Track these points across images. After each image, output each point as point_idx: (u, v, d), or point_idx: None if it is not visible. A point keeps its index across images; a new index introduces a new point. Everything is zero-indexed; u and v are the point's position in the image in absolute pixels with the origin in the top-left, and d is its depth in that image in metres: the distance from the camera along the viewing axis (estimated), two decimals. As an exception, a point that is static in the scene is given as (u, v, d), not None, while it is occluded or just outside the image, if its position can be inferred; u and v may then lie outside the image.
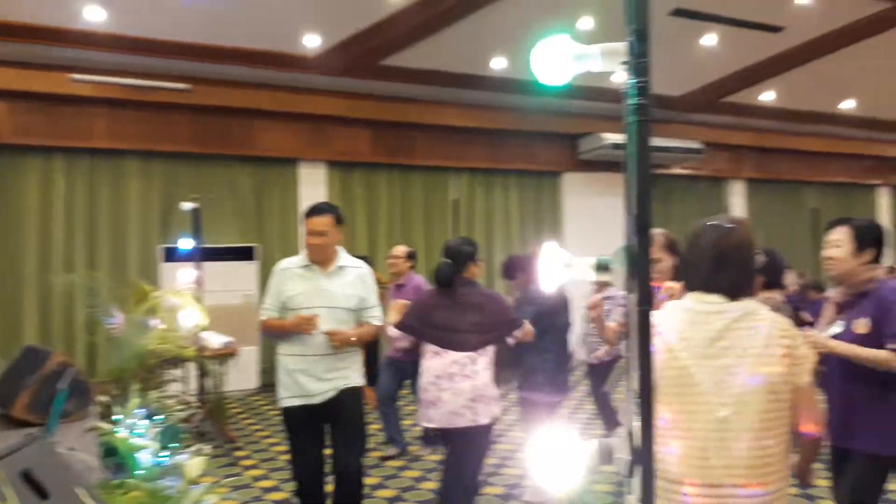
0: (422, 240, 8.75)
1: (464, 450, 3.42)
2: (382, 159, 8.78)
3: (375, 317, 3.44)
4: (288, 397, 3.35)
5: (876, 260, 2.78)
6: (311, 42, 7.26)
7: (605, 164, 9.87)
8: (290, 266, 3.42)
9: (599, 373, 5.20)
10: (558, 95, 8.96)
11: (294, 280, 3.36)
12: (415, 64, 7.92)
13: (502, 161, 9.44)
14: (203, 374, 5.43)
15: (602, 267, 1.05)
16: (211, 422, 5.52)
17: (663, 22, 7.77)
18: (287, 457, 3.83)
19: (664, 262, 2.93)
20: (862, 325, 2.69)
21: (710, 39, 8.28)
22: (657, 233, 2.93)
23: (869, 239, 2.77)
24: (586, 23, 7.36)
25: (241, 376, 7.17)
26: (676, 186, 10.83)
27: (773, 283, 3.47)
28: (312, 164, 8.51)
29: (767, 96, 9.96)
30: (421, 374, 3.49)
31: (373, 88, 8.33)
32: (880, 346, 2.64)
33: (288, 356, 3.34)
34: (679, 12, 7.70)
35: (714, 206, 11.21)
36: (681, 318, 1.92)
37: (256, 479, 4.83)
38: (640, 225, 0.98)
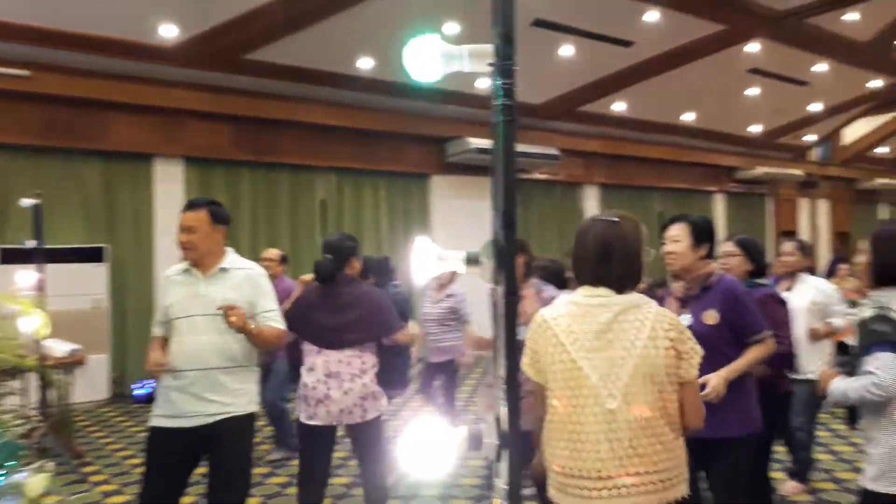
0: (287, 240, 8.55)
1: (365, 447, 3.39)
2: (245, 157, 8.49)
3: (275, 320, 3.05)
4: (156, 416, 2.95)
5: (710, 254, 2.92)
6: (168, 32, 6.91)
7: (471, 168, 10.14)
8: (171, 272, 3.09)
9: (437, 371, 5.28)
10: (427, 98, 9.11)
11: (173, 287, 3.03)
12: (280, 60, 7.75)
13: (371, 162, 9.43)
14: (45, 385, 4.98)
15: (472, 260, 1.08)
16: (55, 436, 5.09)
17: (525, 32, 8.11)
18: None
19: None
20: (711, 317, 2.78)
21: (567, 51, 8.73)
22: None
23: (704, 234, 2.89)
24: (452, 28, 7.52)
25: (91, 387, 6.68)
26: (535, 191, 11.31)
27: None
28: (169, 159, 8.06)
29: (619, 106, 10.65)
30: (305, 372, 3.39)
31: (235, 83, 8.04)
32: (732, 337, 2.78)
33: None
34: (539, 23, 8.07)
35: (570, 210, 11.85)
36: (569, 311, 1.94)
37: (107, 494, 4.51)
38: (507, 220, 1.02)
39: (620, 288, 1.94)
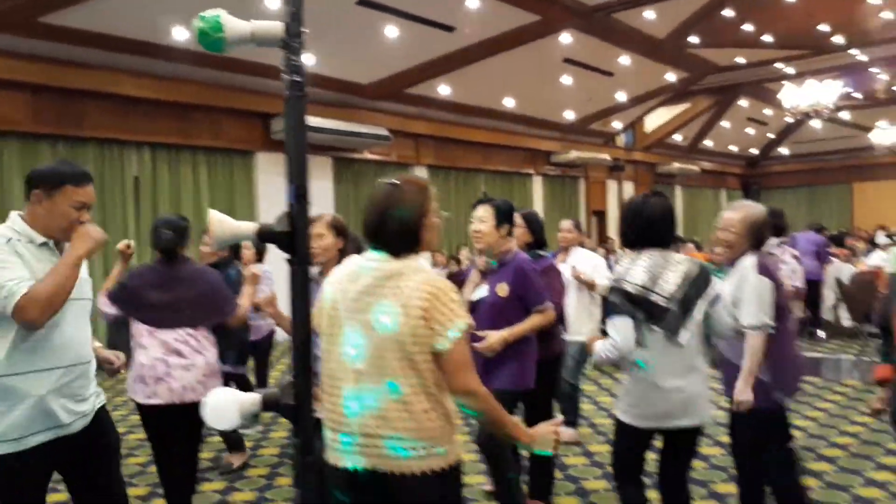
0: (97, 220, 7.86)
1: (197, 427, 3.25)
2: (45, 129, 7.71)
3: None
4: (29, 435, 2.20)
5: (509, 234, 3.34)
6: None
7: (298, 146, 9.95)
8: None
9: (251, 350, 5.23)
10: (250, 72, 8.79)
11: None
12: (84, 25, 7.10)
13: (190, 137, 8.94)
14: None
15: (265, 233, 1.12)
16: None
17: (350, 11, 8.09)
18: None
19: (327, 239, 2.99)
20: (502, 289, 3.21)
21: (392, 32, 8.83)
22: (327, 214, 3.10)
23: (505, 216, 3.30)
24: (273, 2, 7.34)
25: None
26: (367, 170, 11.37)
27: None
28: (-49, 131, 7.14)
29: (444, 90, 10.96)
30: (138, 351, 3.20)
31: (31, 47, 7.25)
32: (520, 308, 3.21)
33: (20, 375, 2.18)
34: (363, 3, 8.09)
35: (401, 189, 12.02)
36: (348, 270, 2.00)
37: None
38: (299, 192, 1.06)
39: (396, 252, 1.93)
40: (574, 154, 14.81)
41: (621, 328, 2.65)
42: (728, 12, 10.45)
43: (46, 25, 6.95)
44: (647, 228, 2.74)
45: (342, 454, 1.90)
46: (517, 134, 13.75)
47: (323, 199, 10.37)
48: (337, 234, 3.00)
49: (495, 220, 3.24)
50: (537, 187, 14.94)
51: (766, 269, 2.84)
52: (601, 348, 2.76)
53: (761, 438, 2.88)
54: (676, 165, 18.51)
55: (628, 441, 2.84)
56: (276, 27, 1.12)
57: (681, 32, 11.10)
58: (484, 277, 3.35)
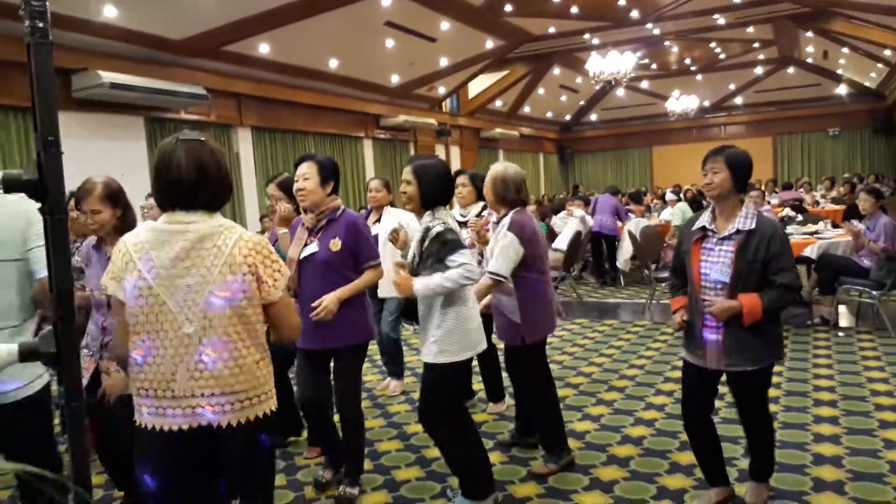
0: None
1: None
2: None
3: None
4: None
5: (335, 191, 3.31)
6: None
7: (106, 105, 9.24)
8: None
9: None
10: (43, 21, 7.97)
11: None
12: None
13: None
14: None
15: (8, 182, 1.14)
16: None
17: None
18: None
19: (104, 214, 2.77)
20: (335, 244, 3.25)
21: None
22: (97, 182, 2.80)
23: (330, 173, 3.29)
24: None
25: None
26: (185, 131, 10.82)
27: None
28: None
29: (264, 48, 10.64)
30: None
31: None
32: (352, 262, 3.27)
33: None
34: (172, -47, 7.63)
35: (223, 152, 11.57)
36: (148, 238, 1.92)
37: None
38: (46, 141, 1.10)
39: (212, 210, 1.96)
40: (402, 118, 15.02)
41: (467, 256, 2.94)
42: (538, -17, 11.07)
43: None
44: (449, 190, 3.15)
45: (168, 419, 1.93)
46: (345, 97, 13.68)
47: (136, 160, 9.74)
48: (113, 206, 2.78)
49: (319, 176, 3.22)
50: (368, 150, 15.01)
51: (515, 226, 3.47)
52: (442, 281, 2.87)
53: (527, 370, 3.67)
54: (498, 131, 19.38)
55: (463, 374, 3.17)
56: None
57: (497, 1, 11.59)
58: (311, 234, 3.32)
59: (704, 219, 2.93)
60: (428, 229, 2.96)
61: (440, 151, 17.49)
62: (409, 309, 3.22)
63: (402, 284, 2.93)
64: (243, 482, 2.02)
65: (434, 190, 3.01)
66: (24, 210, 2.47)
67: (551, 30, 13.94)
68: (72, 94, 8.92)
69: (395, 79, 14.04)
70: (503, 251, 3.41)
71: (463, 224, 4.20)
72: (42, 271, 2.40)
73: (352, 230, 3.27)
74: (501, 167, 3.65)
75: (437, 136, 17.07)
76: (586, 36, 14.65)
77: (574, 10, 12.61)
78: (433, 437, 3.14)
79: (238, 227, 1.98)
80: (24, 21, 1.12)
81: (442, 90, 15.96)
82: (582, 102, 22.48)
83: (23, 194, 2.59)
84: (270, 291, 1.96)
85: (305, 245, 3.31)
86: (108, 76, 8.75)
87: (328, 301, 3.14)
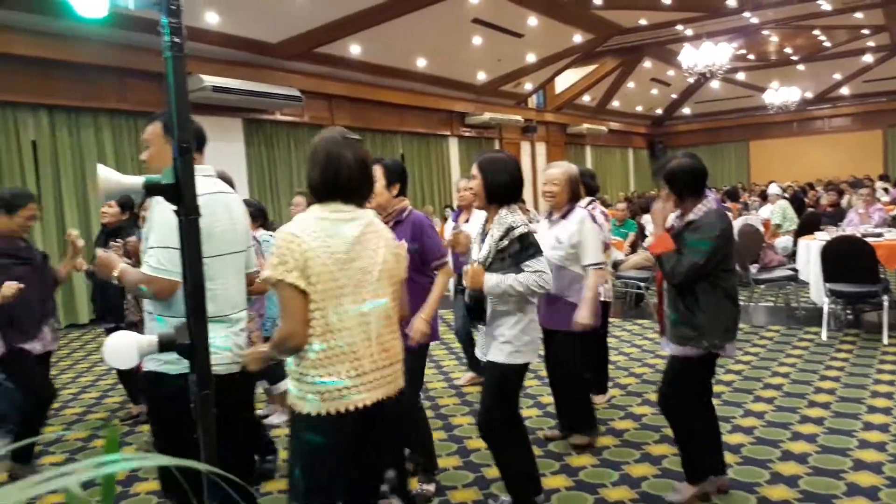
0: (-9, 187, 7.56)
1: None
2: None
3: None
4: None
5: (402, 193, 3.34)
6: None
7: (207, 108, 9.72)
8: None
9: None
10: (153, 31, 8.45)
11: None
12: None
13: (91, 99, 8.57)
14: None
15: (151, 185, 1.22)
16: None
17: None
18: None
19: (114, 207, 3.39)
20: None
21: (301, -10, 8.70)
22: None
23: (396, 175, 3.30)
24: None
25: None
26: (279, 131, 11.24)
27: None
28: None
29: (355, 49, 10.90)
30: None
31: None
32: (420, 263, 3.21)
33: None
34: (271, -40, 7.94)
35: (315, 151, 11.95)
36: (324, 227, 2.02)
37: None
38: (183, 149, 1.18)
39: (362, 203, 2.12)
40: (488, 115, 15.04)
41: (546, 264, 2.88)
42: (629, -25, 10.82)
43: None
44: (519, 187, 3.01)
45: (344, 401, 2.02)
46: (432, 95, 13.83)
47: (235, 160, 10.21)
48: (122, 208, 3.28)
49: (386, 179, 3.25)
50: (453, 149, 15.13)
51: (594, 219, 3.64)
52: (530, 281, 2.81)
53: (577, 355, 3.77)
54: (586, 126, 19.09)
55: (520, 381, 3.03)
56: None
57: (586, -6, 11.42)
58: None
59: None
60: (511, 228, 2.87)
61: (526, 148, 17.40)
62: (475, 306, 3.06)
63: (474, 276, 2.89)
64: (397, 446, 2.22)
65: (500, 185, 2.94)
66: (241, 208, 2.68)
67: (642, 21, 13.59)
68: (177, 97, 9.43)
69: (481, 76, 14.06)
70: (595, 242, 3.63)
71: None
72: (252, 266, 2.68)
73: (417, 230, 3.28)
74: (567, 166, 3.84)
75: (522, 133, 16.99)
76: (679, 27, 14.20)
77: (666, 0, 12.25)
78: (490, 440, 3.04)
79: (371, 212, 2.19)
80: (162, 36, 1.18)
81: (528, 86, 15.87)
82: (674, 96, 21.81)
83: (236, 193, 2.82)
84: (406, 270, 2.23)
85: None
86: (209, 80, 9.21)
87: (419, 324, 3.12)
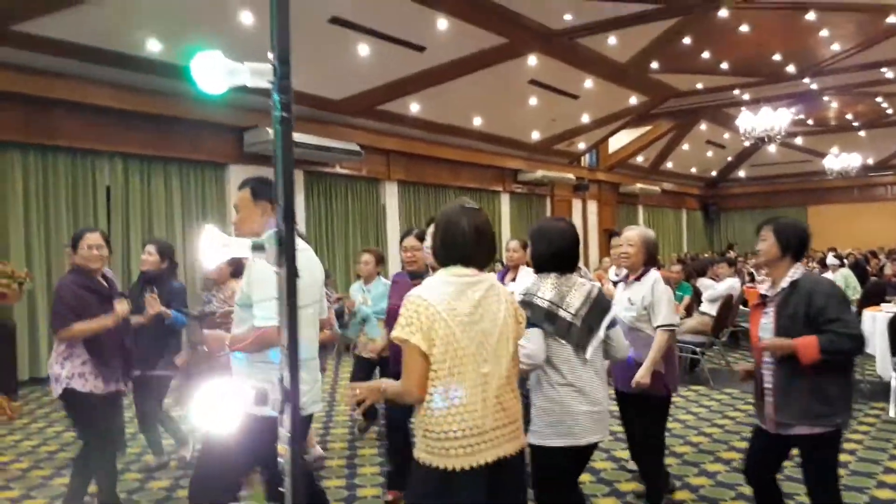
0: (68, 230, 7.91)
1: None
2: (16, 137, 7.72)
3: None
4: None
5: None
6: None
7: (269, 159, 10.02)
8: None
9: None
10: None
11: None
12: (57, 34, 7.17)
13: (163, 148, 9.01)
14: None
15: (258, 247, 1.31)
16: None
17: (322, 29, 8.31)
18: None
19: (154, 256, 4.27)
20: None
21: (364, 50, 9.06)
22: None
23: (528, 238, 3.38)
24: (247, 17, 7.51)
25: None
26: (338, 184, 11.55)
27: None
28: (-82, 138, 7.13)
29: (414, 107, 11.22)
30: None
31: (2, 55, 7.30)
32: None
33: None
34: (336, 21, 8.31)
35: (371, 204, 12.23)
36: (445, 290, 2.13)
37: None
38: (287, 213, 1.26)
39: (482, 267, 2.23)
40: (540, 173, 15.18)
41: (533, 338, 2.66)
42: (687, 40, 10.92)
43: (18, 33, 7.02)
44: (556, 255, 2.88)
45: (465, 457, 2.07)
46: (485, 152, 14.06)
47: (296, 211, 10.49)
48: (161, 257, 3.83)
49: (523, 244, 3.45)
50: (505, 205, 15.25)
51: (668, 282, 3.67)
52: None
53: (657, 420, 3.71)
54: (639, 186, 19.04)
55: (564, 461, 2.77)
56: (265, 68, 1.30)
57: (642, 58, 11.56)
58: None
59: (764, 286, 3.04)
60: (510, 294, 2.75)
61: (577, 206, 17.42)
62: None
63: None
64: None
65: (542, 255, 2.90)
66: (317, 262, 2.97)
67: (699, 86, 13.65)
68: (244, 149, 9.84)
69: (535, 135, 14.25)
70: (668, 303, 3.63)
71: (614, 283, 4.19)
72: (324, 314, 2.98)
73: None
74: (643, 229, 3.90)
75: (574, 191, 17.04)
76: (736, 91, 14.20)
77: (724, 65, 12.30)
78: None
79: (494, 277, 2.32)
80: (272, 99, 1.28)
81: (582, 145, 15.99)
82: (729, 158, 21.63)
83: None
84: (520, 330, 2.30)
85: None
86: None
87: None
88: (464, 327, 2.10)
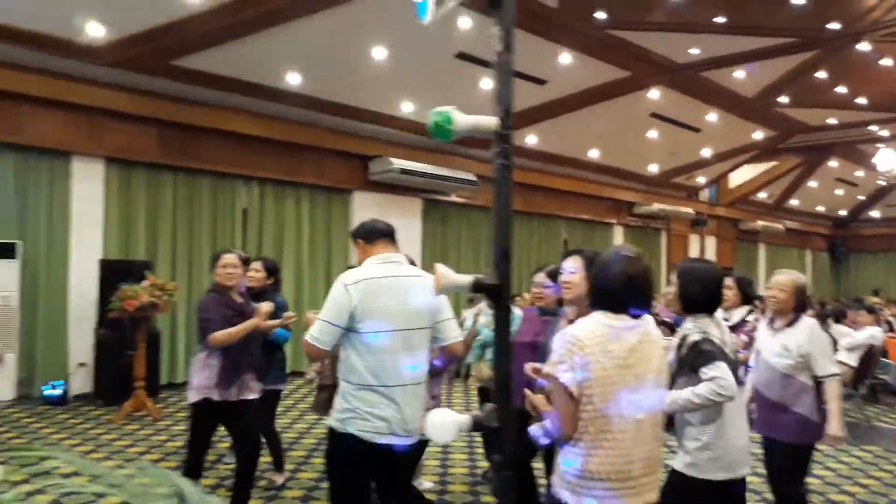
0: (208, 247, 8.54)
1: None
2: (168, 161, 8.45)
3: None
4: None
5: None
6: (95, 31, 6.83)
7: (393, 187, 10.48)
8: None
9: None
10: (352, 117, 9.40)
11: None
12: (209, 68, 7.82)
13: (295, 174, 9.57)
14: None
15: (478, 285, 1.40)
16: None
17: (450, 63, 8.59)
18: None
19: (260, 273, 4.48)
20: None
21: (487, 84, 9.25)
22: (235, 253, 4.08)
23: None
24: (380, 52, 7.89)
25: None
26: (452, 212, 11.79)
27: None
28: (88, 158, 7.91)
29: (531, 139, 11.31)
30: None
31: (161, 87, 8.02)
32: None
33: None
34: (462, 56, 8.56)
35: (485, 233, 12.39)
36: (603, 332, 2.14)
37: (30, 494, 4.48)
38: (503, 253, 1.35)
39: (636, 315, 2.21)
40: (657, 206, 14.85)
41: (726, 371, 2.66)
42: (821, 74, 10.44)
43: (176, 67, 7.71)
44: (709, 296, 2.90)
45: (610, 499, 2.10)
46: (600, 183, 13.94)
47: (412, 236, 10.83)
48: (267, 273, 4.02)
49: (585, 271, 3.16)
50: (618, 237, 15.01)
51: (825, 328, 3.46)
52: (692, 395, 2.67)
53: (800, 469, 3.54)
54: (760, 223, 18.21)
55: (717, 495, 2.80)
56: (493, 122, 1.41)
57: (771, 92, 11.14)
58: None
59: None
60: (685, 336, 2.82)
61: (695, 241, 16.88)
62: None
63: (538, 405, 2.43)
64: None
65: (695, 295, 2.88)
66: (425, 287, 2.91)
67: (831, 121, 12.96)
68: (368, 176, 10.27)
69: (652, 167, 13.99)
70: (829, 351, 3.60)
71: (731, 329, 4.02)
72: (445, 340, 2.97)
73: None
74: (794, 274, 3.78)
75: (691, 226, 16.53)
76: (873, 127, 13.37)
77: (861, 100, 11.63)
78: None
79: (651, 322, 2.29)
80: (494, 148, 1.39)
81: (701, 179, 15.53)
82: (861, 197, 20.30)
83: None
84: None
85: None
86: (398, 162, 9.97)
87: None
88: (619, 370, 2.10)
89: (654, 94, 10.54)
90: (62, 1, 6.33)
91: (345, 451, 2.82)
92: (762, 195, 18.09)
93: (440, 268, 1.42)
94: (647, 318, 2.27)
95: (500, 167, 1.38)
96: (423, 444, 3.13)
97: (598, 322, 2.17)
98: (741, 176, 17.00)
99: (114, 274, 7.11)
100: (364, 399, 2.74)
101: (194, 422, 3.93)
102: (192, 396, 3.85)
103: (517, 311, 5.05)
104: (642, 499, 2.12)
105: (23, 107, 7.33)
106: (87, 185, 7.86)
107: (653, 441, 2.16)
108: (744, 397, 3.00)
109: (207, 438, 3.98)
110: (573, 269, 3.22)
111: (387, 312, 2.78)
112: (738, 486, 2.89)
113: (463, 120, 1.42)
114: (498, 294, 1.31)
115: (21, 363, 7.24)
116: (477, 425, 1.34)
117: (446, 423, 1.35)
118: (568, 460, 2.13)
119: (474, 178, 11.13)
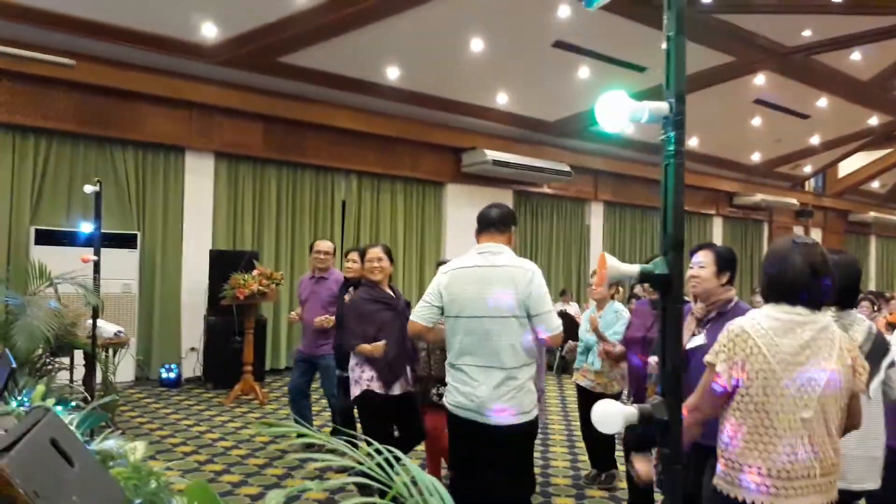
0: (309, 237, 8.79)
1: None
2: (273, 155, 8.76)
3: None
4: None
5: (730, 282, 3.14)
6: (209, 31, 7.16)
7: (485, 179, 10.48)
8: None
9: None
10: (446, 109, 9.46)
11: None
12: (311, 64, 8.04)
13: (391, 167, 9.74)
14: (92, 363, 5.22)
15: (645, 274, 1.37)
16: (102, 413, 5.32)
17: (545, 52, 8.48)
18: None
19: (384, 262, 4.05)
20: None
21: (584, 72, 9.09)
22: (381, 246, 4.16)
23: (727, 263, 3.12)
24: (477, 44, 7.88)
25: (119, 368, 6.90)
26: (544, 204, 11.68)
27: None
28: (200, 153, 8.31)
29: (627, 129, 11.00)
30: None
31: (268, 84, 8.32)
32: None
33: None
34: (559, 44, 8.43)
35: (576, 225, 12.21)
36: (771, 325, 2.05)
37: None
38: (676, 241, 1.31)
39: (816, 307, 2.07)
40: (759, 197, 14.21)
41: None
42: (948, 54, 9.69)
43: (282, 64, 7.96)
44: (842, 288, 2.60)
45: (772, 497, 2.02)
46: (699, 173, 13.45)
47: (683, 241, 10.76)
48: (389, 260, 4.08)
49: (716, 266, 3.08)
50: (717, 228, 14.48)
51: None
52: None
53: None
54: (872, 214, 17.13)
55: None
56: (663, 107, 1.37)
57: (889, 75, 10.43)
58: (699, 325, 3.13)
59: None
60: (870, 329, 2.70)
61: (799, 233, 16.05)
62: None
63: None
64: None
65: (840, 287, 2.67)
66: (505, 277, 3.06)
67: (957, 104, 12.01)
68: (461, 168, 10.31)
69: (755, 156, 13.38)
70: None
71: None
72: (542, 333, 3.03)
73: None
74: None
75: (796, 217, 15.74)
76: None
77: None
78: None
79: (832, 321, 2.13)
80: (665, 136, 1.34)
81: (808, 169, 14.74)
82: None
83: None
84: (859, 384, 2.12)
85: (693, 335, 3.10)
86: (491, 154, 9.95)
87: None
88: (785, 366, 2.00)
89: (759, 79, 10.06)
90: (178, 3, 6.65)
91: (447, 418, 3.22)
92: (875, 185, 17.00)
93: (607, 257, 1.40)
94: (827, 317, 2.10)
95: (673, 154, 1.33)
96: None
97: (768, 314, 2.07)
98: (851, 164, 16.01)
99: (222, 263, 7.44)
100: (453, 376, 3.12)
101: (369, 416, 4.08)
102: (355, 391, 4.01)
103: (615, 306, 4.89)
104: (808, 500, 2.01)
105: (142, 105, 7.77)
106: (199, 178, 8.26)
107: (825, 444, 2.02)
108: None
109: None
110: (703, 264, 3.10)
111: (466, 299, 3.04)
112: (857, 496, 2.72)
113: (632, 106, 1.38)
114: (668, 285, 1.28)
115: (139, 347, 7.70)
116: (644, 418, 1.31)
117: (613, 414, 1.33)
118: (726, 449, 2.09)
119: (567, 169, 10.98)
